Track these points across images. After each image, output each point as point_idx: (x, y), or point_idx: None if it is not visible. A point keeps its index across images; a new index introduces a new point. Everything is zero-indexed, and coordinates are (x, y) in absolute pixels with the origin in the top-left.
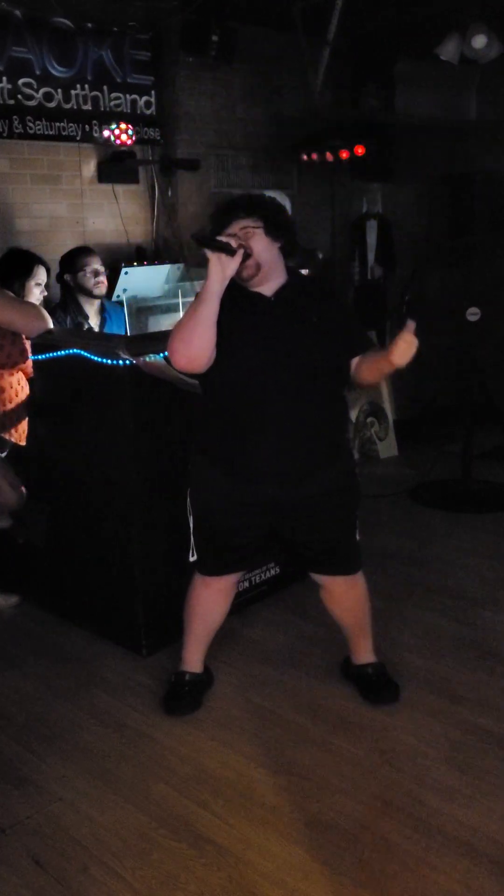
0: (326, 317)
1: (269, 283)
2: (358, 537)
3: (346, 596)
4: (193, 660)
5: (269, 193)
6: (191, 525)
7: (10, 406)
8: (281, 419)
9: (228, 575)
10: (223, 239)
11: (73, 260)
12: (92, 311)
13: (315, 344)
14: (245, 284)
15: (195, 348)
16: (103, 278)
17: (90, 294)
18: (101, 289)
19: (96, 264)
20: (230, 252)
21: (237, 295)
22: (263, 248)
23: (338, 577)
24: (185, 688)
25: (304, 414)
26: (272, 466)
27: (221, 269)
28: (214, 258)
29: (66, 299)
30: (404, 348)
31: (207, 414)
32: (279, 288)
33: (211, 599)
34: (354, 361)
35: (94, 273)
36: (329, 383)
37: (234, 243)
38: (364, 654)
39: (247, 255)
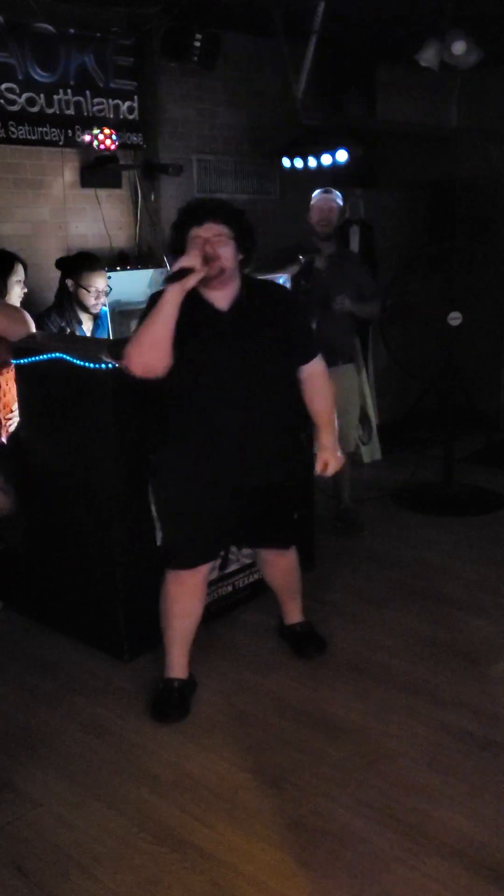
0: (277, 327)
1: (225, 291)
2: (295, 516)
3: (284, 566)
4: (179, 665)
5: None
6: (154, 512)
7: (1, 407)
8: (237, 423)
9: (200, 567)
10: (185, 264)
11: (81, 272)
12: (86, 316)
13: (266, 355)
14: (203, 286)
15: (152, 357)
16: (105, 299)
17: (85, 310)
18: (98, 308)
19: (101, 285)
20: (185, 273)
21: (193, 306)
22: (230, 256)
23: (280, 551)
24: (175, 694)
25: (259, 416)
26: (232, 463)
27: (182, 284)
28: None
29: (62, 302)
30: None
31: (166, 415)
32: (233, 301)
33: (186, 596)
34: (302, 368)
35: (97, 295)
36: (280, 386)
37: (202, 252)
38: (294, 614)
39: (212, 259)
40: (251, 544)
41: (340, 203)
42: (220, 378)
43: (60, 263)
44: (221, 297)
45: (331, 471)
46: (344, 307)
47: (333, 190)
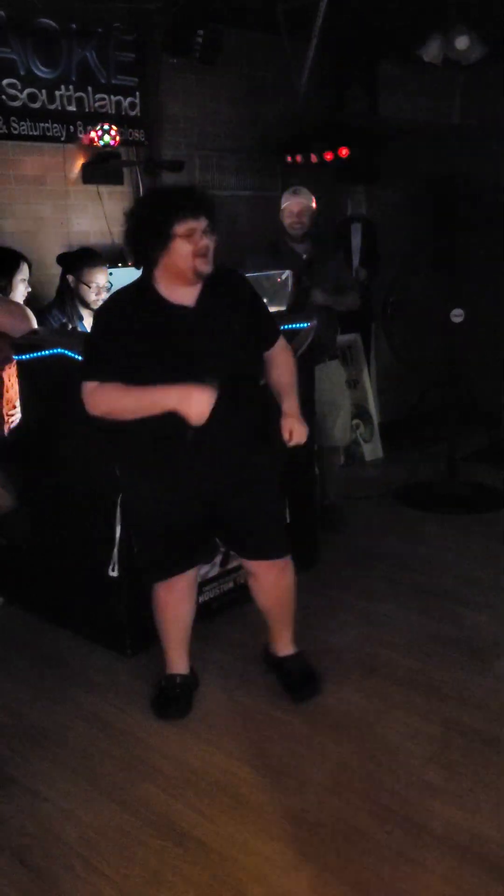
0: (242, 317)
1: (194, 287)
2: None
3: (276, 584)
4: (179, 662)
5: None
6: (117, 536)
7: (4, 403)
8: (208, 424)
9: (187, 572)
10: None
11: (83, 269)
12: (87, 312)
13: (235, 348)
14: (172, 283)
15: (110, 415)
16: (105, 293)
17: (86, 306)
18: (98, 304)
19: (102, 281)
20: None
21: (157, 308)
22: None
23: (271, 563)
24: (177, 690)
25: (230, 412)
26: (204, 464)
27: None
28: (206, 400)
29: (63, 298)
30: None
31: (133, 422)
32: (199, 295)
33: (177, 601)
34: (266, 354)
35: (98, 291)
36: (249, 378)
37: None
38: (284, 644)
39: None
40: (246, 556)
41: (312, 204)
42: (189, 374)
43: (61, 259)
44: (189, 294)
45: (296, 438)
46: (316, 300)
47: (303, 189)
